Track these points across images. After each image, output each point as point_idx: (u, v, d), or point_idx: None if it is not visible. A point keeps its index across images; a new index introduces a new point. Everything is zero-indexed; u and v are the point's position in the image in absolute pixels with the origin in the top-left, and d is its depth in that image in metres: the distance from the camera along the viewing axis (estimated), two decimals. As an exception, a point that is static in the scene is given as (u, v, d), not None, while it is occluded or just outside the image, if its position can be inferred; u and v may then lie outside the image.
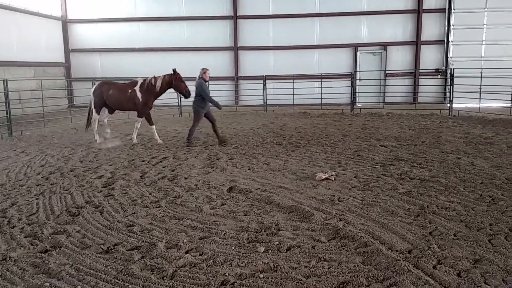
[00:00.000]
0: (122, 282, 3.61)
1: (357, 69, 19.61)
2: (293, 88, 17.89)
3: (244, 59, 20.55)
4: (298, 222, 4.93)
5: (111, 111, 11.13)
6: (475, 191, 5.95)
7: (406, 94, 19.44)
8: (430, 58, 19.55)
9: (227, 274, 3.70)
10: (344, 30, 19.78)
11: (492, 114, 14.29)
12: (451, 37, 19.16)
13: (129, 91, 10.50)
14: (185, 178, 7.11)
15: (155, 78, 10.42)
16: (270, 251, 4.16)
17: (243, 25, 20.34)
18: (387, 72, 19.57)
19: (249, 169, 7.70)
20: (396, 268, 3.69)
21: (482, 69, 15.05)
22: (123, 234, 4.68)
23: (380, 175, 7.00)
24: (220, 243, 4.37)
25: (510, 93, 13.57)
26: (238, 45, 20.35)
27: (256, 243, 4.37)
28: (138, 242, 4.45)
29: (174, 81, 10.28)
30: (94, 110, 10.79)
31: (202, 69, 10.06)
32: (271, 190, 6.27)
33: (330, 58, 19.90)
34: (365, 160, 8.20)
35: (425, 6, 19.13)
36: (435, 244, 4.20)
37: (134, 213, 5.40)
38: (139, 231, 4.74)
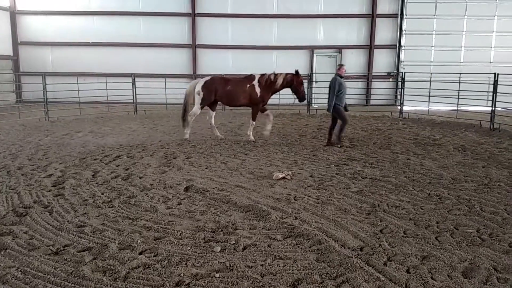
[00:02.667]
0: (72, 285, 3.48)
1: (313, 71, 19.96)
2: (251, 87, 17.88)
3: (203, 57, 20.39)
4: (255, 221, 4.95)
5: (214, 109, 10.95)
6: (423, 191, 6.22)
7: (359, 96, 20.00)
8: (382, 61, 20.23)
9: (182, 274, 3.66)
10: (301, 32, 20.10)
11: (440, 116, 15.01)
12: (403, 42, 19.94)
13: (248, 85, 10.34)
14: (140, 177, 6.95)
15: (275, 74, 10.34)
16: (226, 251, 4.16)
17: (202, 23, 20.19)
18: (342, 74, 20.00)
19: (206, 168, 7.65)
20: (349, 265, 3.79)
21: (431, 73, 15.75)
22: (73, 235, 4.51)
23: (334, 175, 7.17)
24: (176, 244, 4.31)
25: (457, 97, 14.29)
26: (197, 43, 20.18)
27: (213, 242, 4.35)
28: (89, 243, 4.31)
29: (295, 82, 10.26)
30: (199, 106, 10.44)
31: (338, 64, 10.15)
32: (229, 189, 6.27)
33: (287, 59, 20.13)
34: (320, 160, 8.37)
35: (379, 11, 19.78)
36: (386, 242, 4.36)
37: (85, 213, 5.22)
38: (91, 232, 4.59)
